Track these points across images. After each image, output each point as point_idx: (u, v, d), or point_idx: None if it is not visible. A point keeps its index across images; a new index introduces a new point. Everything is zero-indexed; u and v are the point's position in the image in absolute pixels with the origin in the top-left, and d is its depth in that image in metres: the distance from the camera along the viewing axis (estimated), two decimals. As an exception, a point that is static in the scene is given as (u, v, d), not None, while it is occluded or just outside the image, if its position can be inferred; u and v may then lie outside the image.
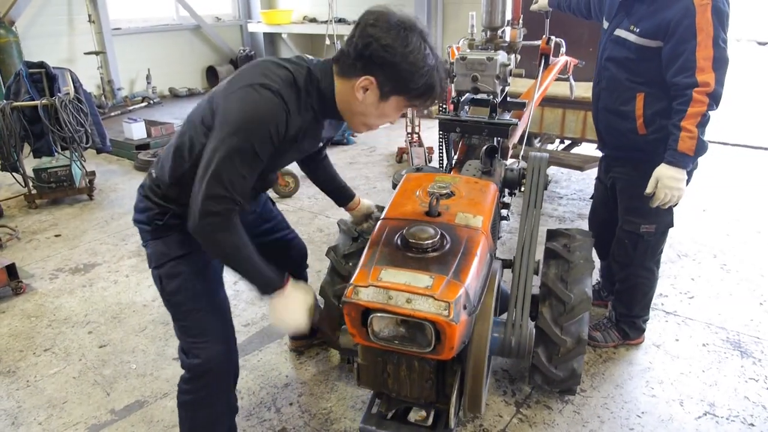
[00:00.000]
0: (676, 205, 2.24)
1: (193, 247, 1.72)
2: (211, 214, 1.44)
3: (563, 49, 2.89)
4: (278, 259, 2.23)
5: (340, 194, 2.25)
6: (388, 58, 1.40)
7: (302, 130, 1.56)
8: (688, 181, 2.46)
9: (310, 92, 1.53)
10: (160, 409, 2.39)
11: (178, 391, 1.83)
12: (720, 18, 2.02)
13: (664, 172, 2.13)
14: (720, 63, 2.03)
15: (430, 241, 1.57)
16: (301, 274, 2.43)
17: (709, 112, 2.06)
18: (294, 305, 1.60)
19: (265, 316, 2.98)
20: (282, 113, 1.44)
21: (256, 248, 2.03)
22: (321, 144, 1.87)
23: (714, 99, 2.05)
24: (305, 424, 2.28)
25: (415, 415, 1.73)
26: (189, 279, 1.75)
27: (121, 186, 5.13)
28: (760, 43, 10.45)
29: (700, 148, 2.08)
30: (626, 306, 2.65)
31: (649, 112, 2.26)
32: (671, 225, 2.47)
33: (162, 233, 1.76)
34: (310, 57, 1.63)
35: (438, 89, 1.49)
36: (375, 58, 1.41)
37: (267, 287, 1.58)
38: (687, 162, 2.10)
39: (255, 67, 1.53)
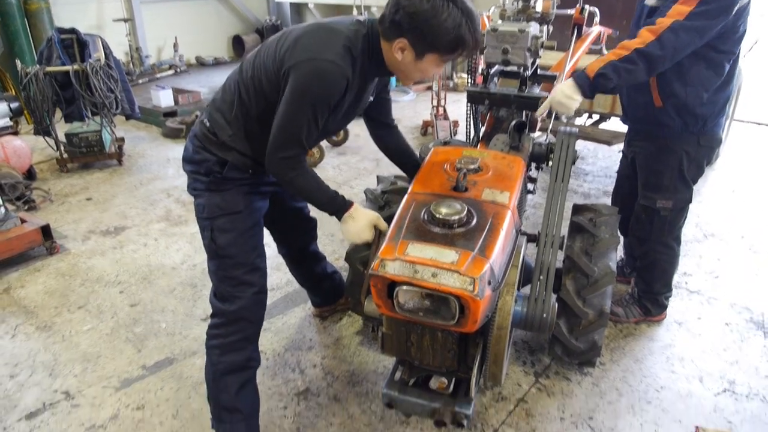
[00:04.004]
0: (571, 118, 2.21)
1: (248, 204, 1.87)
2: (284, 158, 1.67)
3: (597, 19, 2.81)
4: (290, 226, 2.38)
5: (410, 168, 2.17)
6: (415, 23, 1.55)
7: (354, 93, 1.73)
8: (710, 161, 2.41)
9: (363, 56, 1.67)
10: (188, 366, 2.47)
11: (207, 337, 1.94)
12: None
13: (560, 86, 2.14)
14: (682, 31, 1.97)
15: (457, 217, 1.58)
16: (310, 243, 2.51)
17: (631, 66, 2.01)
18: (359, 224, 1.81)
19: (289, 282, 3.03)
20: (343, 82, 1.61)
21: (278, 211, 2.20)
22: (371, 98, 1.95)
23: (642, 56, 2.00)
24: (328, 385, 2.34)
25: (436, 383, 1.76)
26: (242, 235, 1.86)
27: (149, 152, 5.20)
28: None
29: (599, 78, 2.05)
30: (647, 282, 2.64)
31: (663, 84, 2.22)
32: (689, 201, 2.44)
33: (220, 186, 1.84)
34: (363, 18, 1.73)
35: (470, 40, 1.59)
36: (404, 24, 1.57)
37: (336, 213, 1.81)
38: (583, 81, 2.08)
39: (318, 36, 1.64)
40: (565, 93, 2.10)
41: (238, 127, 1.78)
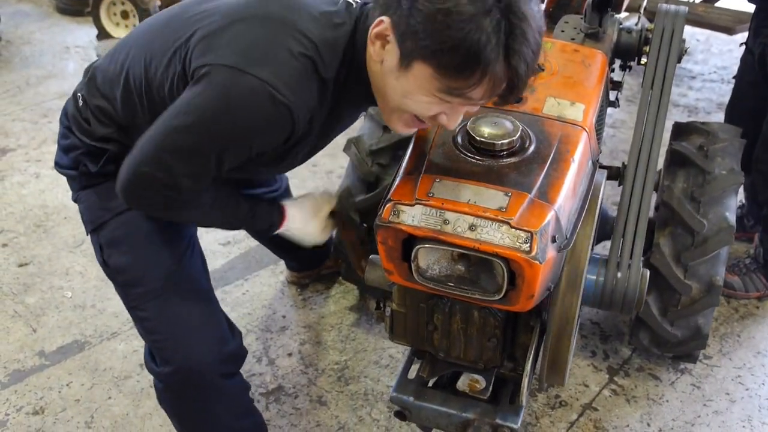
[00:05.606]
0: None
1: None
2: (147, 189, 1.51)
3: None
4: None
5: None
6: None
7: (320, 126, 1.59)
8: None
9: (343, 73, 1.51)
10: (106, 353, 2.51)
11: (155, 389, 1.85)
12: None
13: None
14: None
15: (507, 141, 1.55)
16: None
17: None
18: (307, 229, 1.85)
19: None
20: (287, 127, 1.46)
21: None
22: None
23: None
24: (310, 382, 2.38)
25: (466, 383, 1.78)
26: (141, 245, 1.72)
27: (37, 36, 5.12)
28: None
29: None
30: (777, 240, 2.66)
31: None
32: None
33: (95, 180, 1.73)
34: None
35: (493, 62, 1.26)
36: None
37: (265, 233, 1.80)
38: None
39: (267, 30, 1.44)
40: None
41: (124, 122, 1.65)
